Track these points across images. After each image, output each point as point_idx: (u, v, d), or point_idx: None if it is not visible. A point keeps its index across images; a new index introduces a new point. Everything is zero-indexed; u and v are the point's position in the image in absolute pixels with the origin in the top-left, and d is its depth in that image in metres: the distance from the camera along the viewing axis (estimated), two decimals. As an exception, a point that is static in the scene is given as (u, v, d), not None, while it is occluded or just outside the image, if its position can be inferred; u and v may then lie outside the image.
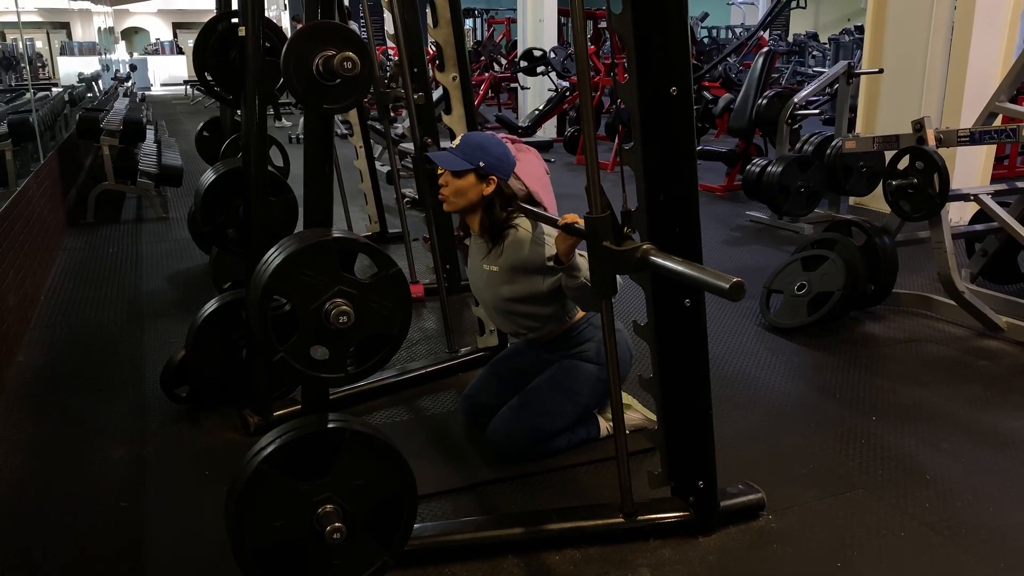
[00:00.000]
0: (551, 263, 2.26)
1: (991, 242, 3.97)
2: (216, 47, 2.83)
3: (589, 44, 2.17)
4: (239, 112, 2.97)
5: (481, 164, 2.38)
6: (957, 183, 3.98)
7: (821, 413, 2.89)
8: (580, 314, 2.55)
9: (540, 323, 2.53)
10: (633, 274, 1.94)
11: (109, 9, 22.92)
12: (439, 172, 2.47)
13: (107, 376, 3.29)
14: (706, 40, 16.15)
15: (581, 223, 2.00)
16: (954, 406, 2.92)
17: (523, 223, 2.45)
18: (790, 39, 17.10)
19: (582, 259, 2.17)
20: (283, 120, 10.27)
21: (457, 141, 2.49)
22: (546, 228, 2.40)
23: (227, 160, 2.97)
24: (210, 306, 2.81)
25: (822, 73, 6.51)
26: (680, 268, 1.72)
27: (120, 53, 24.05)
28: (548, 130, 10.09)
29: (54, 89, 9.71)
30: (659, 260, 1.78)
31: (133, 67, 20.71)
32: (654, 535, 2.14)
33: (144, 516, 2.30)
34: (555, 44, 10.59)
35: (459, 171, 2.40)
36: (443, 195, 2.45)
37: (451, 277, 3.95)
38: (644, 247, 1.82)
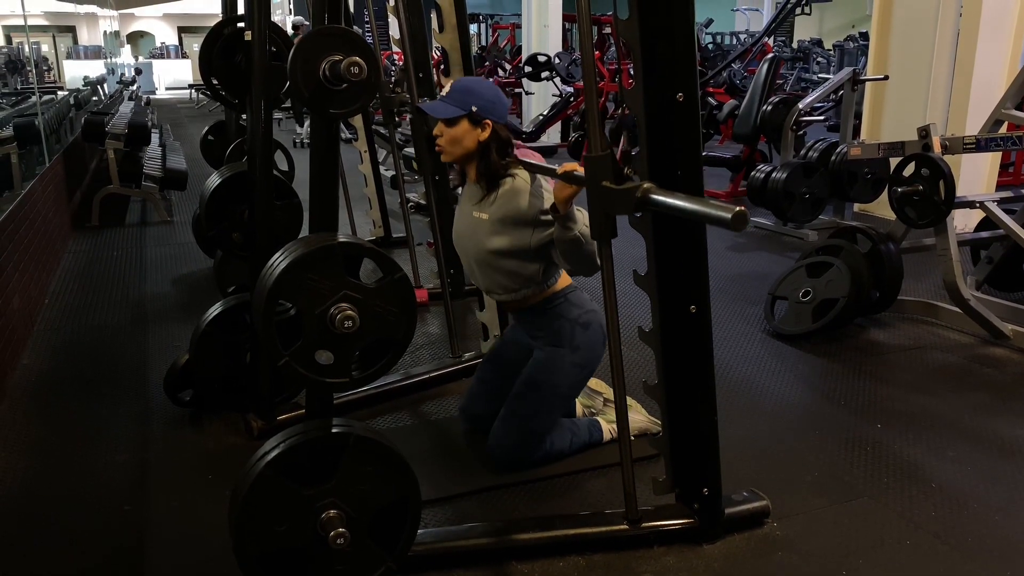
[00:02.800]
0: (546, 216, 2.22)
1: (996, 249, 3.96)
2: (222, 51, 2.84)
3: (594, 50, 2.18)
4: (244, 116, 2.97)
5: (473, 108, 2.29)
6: (962, 190, 3.97)
7: (826, 420, 2.88)
8: (560, 285, 2.47)
9: (519, 284, 2.42)
10: (634, 214, 1.86)
11: (115, 13, 22.98)
12: (436, 134, 2.39)
13: (111, 380, 3.29)
14: (711, 46, 16.14)
15: (581, 171, 1.96)
16: (960, 414, 2.91)
17: (522, 174, 2.36)
18: (795, 45, 17.10)
19: (579, 213, 2.13)
20: (301, 128, 10.28)
21: (447, 89, 2.40)
22: (544, 183, 2.34)
23: (232, 164, 2.97)
24: (214, 310, 2.81)
25: (827, 79, 6.50)
26: (681, 203, 1.68)
27: (125, 57, 24.12)
28: (552, 135, 10.09)
29: (59, 93, 9.74)
30: (660, 198, 1.73)
31: (138, 71, 20.79)
32: (658, 542, 2.13)
33: (147, 520, 2.30)
34: (559, 49, 10.60)
35: (452, 118, 2.31)
36: (439, 145, 2.37)
37: (455, 282, 3.94)
38: (644, 186, 1.76)
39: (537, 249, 2.34)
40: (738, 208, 1.53)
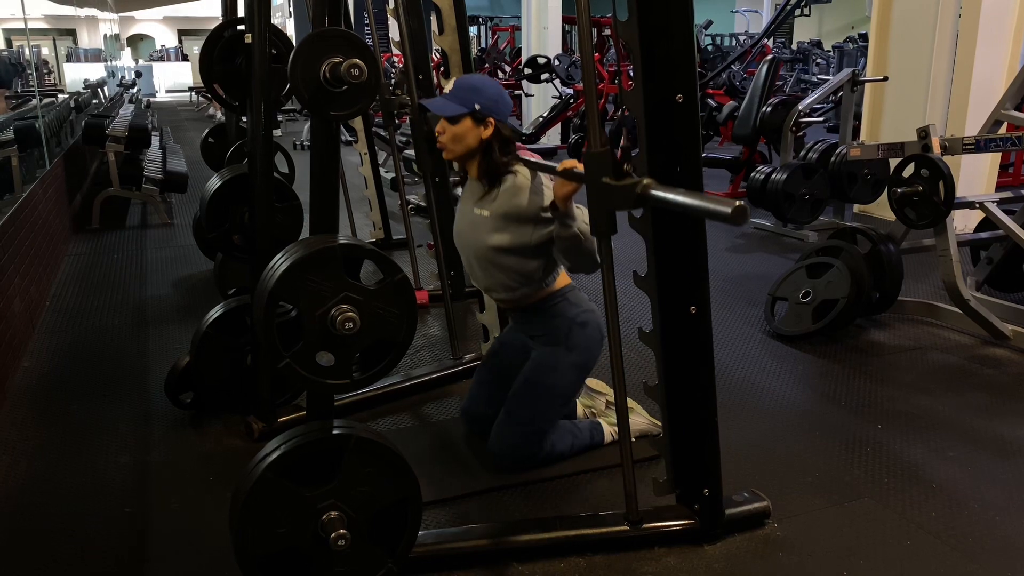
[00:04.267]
0: (547, 213, 2.22)
1: (996, 250, 3.96)
2: (222, 54, 2.84)
3: (594, 51, 2.18)
4: (244, 118, 2.97)
5: (477, 107, 2.29)
6: (961, 191, 3.98)
7: (826, 421, 2.88)
8: (558, 285, 2.47)
9: (519, 282, 2.41)
10: (634, 210, 1.85)
11: (115, 16, 23.01)
12: (437, 132, 2.39)
13: (112, 382, 3.29)
14: (710, 48, 16.16)
15: (581, 168, 1.96)
16: (960, 414, 2.91)
17: (522, 171, 2.36)
18: (794, 47, 17.12)
19: (579, 210, 2.13)
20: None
21: (450, 86, 2.39)
22: (545, 180, 2.33)
23: (232, 166, 2.97)
24: (215, 312, 2.81)
25: (826, 81, 6.50)
26: (681, 199, 1.67)
27: (126, 60, 24.16)
28: (552, 137, 10.10)
29: (60, 96, 9.75)
30: (660, 194, 1.73)
31: (138, 74, 20.81)
32: (659, 543, 2.14)
33: (148, 522, 2.30)
34: (559, 51, 10.62)
35: (455, 116, 2.31)
36: (441, 143, 2.36)
37: (455, 283, 3.94)
38: (644, 182, 1.75)
39: (537, 246, 2.34)
40: (738, 203, 1.53)
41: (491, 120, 2.32)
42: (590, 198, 1.86)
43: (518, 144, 2.53)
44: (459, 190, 2.58)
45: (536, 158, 2.45)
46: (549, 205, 2.20)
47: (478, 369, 2.79)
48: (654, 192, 1.73)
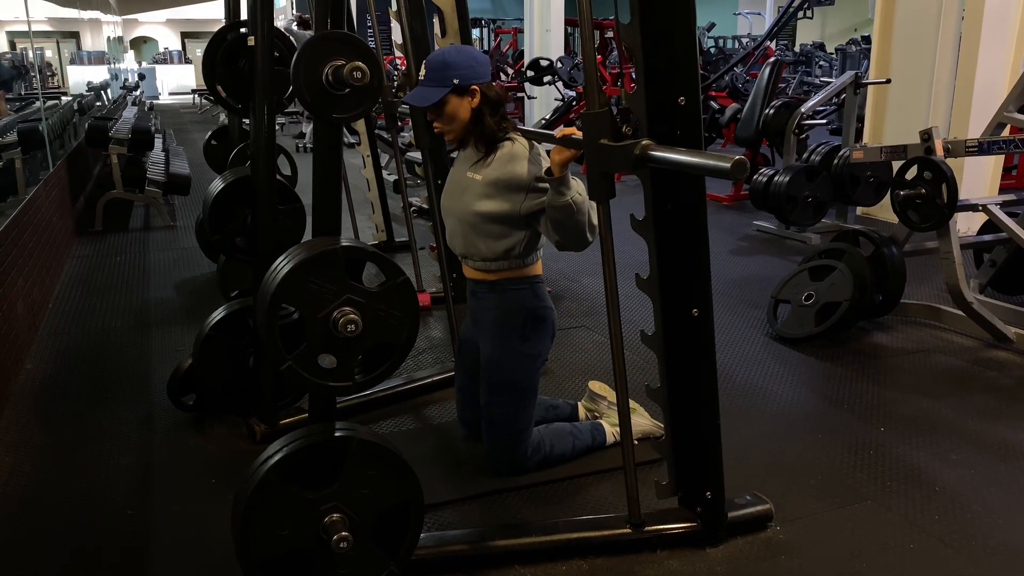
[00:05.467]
0: (542, 183, 2.19)
1: (999, 252, 3.96)
2: (225, 57, 2.84)
3: (596, 54, 2.18)
4: (247, 121, 2.98)
5: (455, 81, 2.24)
6: (965, 193, 3.98)
7: (829, 424, 2.88)
8: (530, 272, 2.41)
9: (497, 254, 2.34)
10: (633, 172, 1.83)
11: (118, 18, 23.06)
12: (432, 124, 2.37)
13: (114, 384, 3.29)
14: (713, 50, 16.16)
15: (579, 135, 1.94)
16: (963, 417, 2.91)
17: (520, 139, 2.33)
18: (797, 49, 17.12)
19: (575, 181, 2.12)
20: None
21: (422, 72, 2.33)
22: (542, 152, 2.30)
23: (235, 169, 2.98)
24: (217, 314, 2.81)
25: (829, 83, 6.50)
26: (680, 157, 1.67)
27: (129, 62, 24.20)
28: (554, 139, 10.10)
29: (63, 98, 9.77)
30: (659, 153, 1.72)
31: (142, 76, 20.84)
32: (661, 546, 2.13)
33: (150, 524, 2.30)
34: (561, 54, 10.62)
35: (438, 101, 2.27)
36: (438, 129, 2.35)
37: (457, 286, 3.93)
38: (643, 142, 1.73)
39: (525, 217, 2.29)
40: (736, 157, 1.54)
41: (475, 87, 2.28)
42: (588, 160, 1.84)
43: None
44: (455, 154, 2.54)
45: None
46: (544, 171, 2.16)
47: (455, 374, 2.75)
48: (653, 152, 1.71)
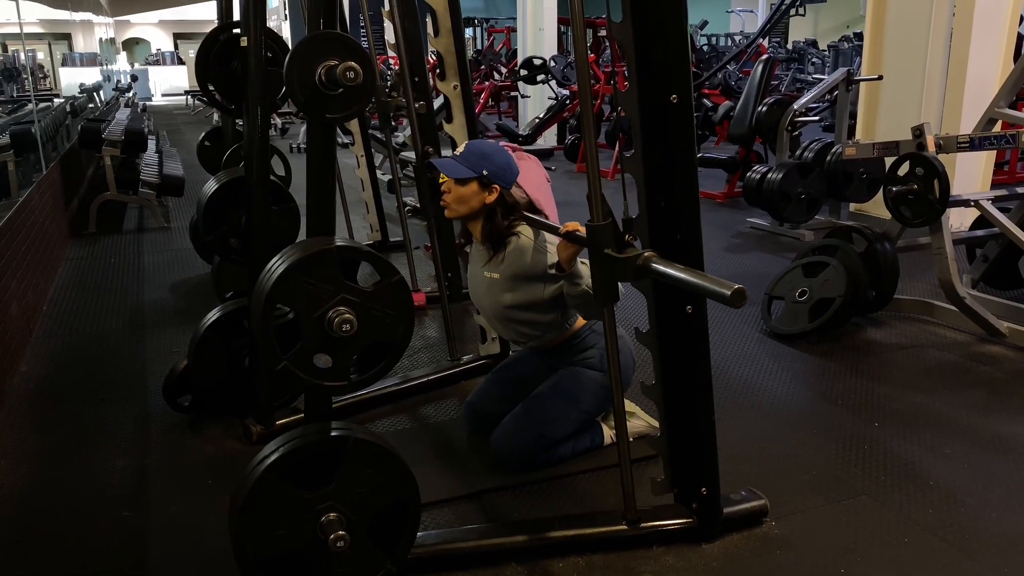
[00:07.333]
0: (553, 271, 2.27)
1: (992, 248, 3.97)
2: (218, 57, 2.84)
3: (589, 52, 2.19)
4: (240, 122, 2.98)
5: (485, 173, 2.37)
6: (957, 189, 3.98)
7: (823, 419, 2.89)
8: (581, 321, 2.55)
9: (541, 331, 2.53)
10: (635, 281, 1.95)
11: (110, 20, 22.99)
12: (441, 181, 2.46)
13: (109, 386, 3.29)
14: (705, 48, 16.17)
15: (583, 231, 2.00)
16: (956, 412, 2.92)
17: (525, 231, 2.44)
18: (789, 46, 17.14)
19: (584, 267, 2.17)
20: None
21: (461, 148, 2.48)
22: (548, 236, 2.40)
23: (229, 170, 2.98)
24: (212, 315, 2.81)
25: (822, 80, 6.52)
26: (681, 275, 1.74)
27: (121, 64, 24.12)
28: (548, 138, 10.10)
29: (56, 100, 9.74)
30: (660, 267, 1.80)
31: (134, 77, 20.76)
32: (657, 542, 2.14)
33: (147, 525, 2.30)
34: (555, 53, 10.62)
35: (462, 179, 2.39)
36: (445, 201, 2.44)
37: (453, 285, 3.95)
38: (645, 255, 1.83)
39: (552, 300, 2.42)
40: (737, 286, 1.58)
41: (496, 187, 2.39)
42: (593, 269, 1.92)
43: (515, 147, 2.56)
44: (468, 249, 2.67)
45: (534, 162, 2.47)
46: (554, 265, 2.24)
47: (496, 368, 2.84)
48: (655, 265, 1.80)
